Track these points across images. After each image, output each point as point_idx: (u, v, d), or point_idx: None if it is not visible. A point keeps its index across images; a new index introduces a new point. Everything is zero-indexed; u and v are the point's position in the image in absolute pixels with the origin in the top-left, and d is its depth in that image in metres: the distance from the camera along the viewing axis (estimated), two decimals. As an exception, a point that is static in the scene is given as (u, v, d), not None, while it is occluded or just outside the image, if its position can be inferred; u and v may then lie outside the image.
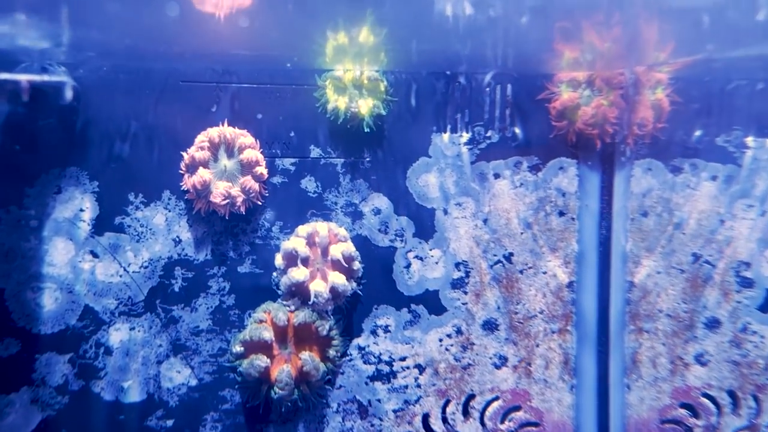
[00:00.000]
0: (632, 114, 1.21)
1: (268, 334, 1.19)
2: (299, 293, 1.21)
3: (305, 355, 1.20)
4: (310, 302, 1.20)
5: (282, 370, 1.20)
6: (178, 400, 1.20)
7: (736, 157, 1.28)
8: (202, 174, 1.17)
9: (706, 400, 1.30)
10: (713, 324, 1.29)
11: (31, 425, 1.16)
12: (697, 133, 1.28)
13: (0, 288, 1.14)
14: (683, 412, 1.30)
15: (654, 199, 1.27)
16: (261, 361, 1.18)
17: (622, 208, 1.26)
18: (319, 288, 1.20)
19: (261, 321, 1.21)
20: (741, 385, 1.30)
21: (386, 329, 1.26)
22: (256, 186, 1.19)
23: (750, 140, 1.28)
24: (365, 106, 1.22)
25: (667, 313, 1.28)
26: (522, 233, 1.27)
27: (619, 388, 1.28)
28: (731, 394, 1.30)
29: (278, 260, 1.22)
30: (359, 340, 1.26)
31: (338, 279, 1.21)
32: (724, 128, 1.28)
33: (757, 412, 1.30)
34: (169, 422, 1.20)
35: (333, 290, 1.20)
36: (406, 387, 1.26)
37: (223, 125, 1.20)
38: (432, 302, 1.26)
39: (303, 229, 1.22)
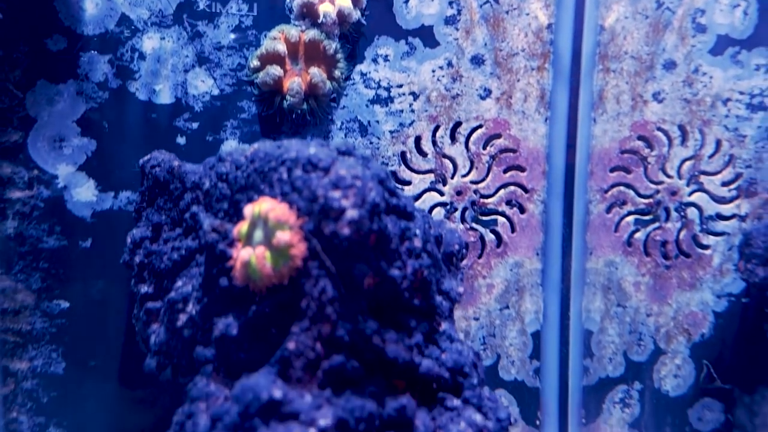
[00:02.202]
0: None
1: (281, 47, 1.36)
2: (309, 15, 1.37)
3: (314, 69, 1.38)
4: (319, 21, 1.36)
5: (293, 81, 1.37)
6: (202, 106, 1.38)
7: None
8: None
9: (659, 133, 1.50)
10: (670, 65, 1.47)
11: (77, 114, 1.33)
12: None
13: (47, -13, 1.29)
14: (640, 143, 1.50)
15: (626, -51, 1.43)
16: (275, 70, 1.35)
17: (598, -44, 1.42)
18: (327, 9, 1.36)
19: (275, 38, 1.37)
20: (690, 120, 1.49)
21: (386, 58, 1.43)
22: None
23: None
24: None
25: (631, 55, 1.46)
26: (508, -23, 1.43)
27: (587, 122, 1.48)
28: (681, 128, 1.50)
29: (292, -14, 1.38)
30: (361, 67, 1.43)
31: (345, 3, 1.37)
32: None
33: (702, 145, 1.50)
34: (195, 125, 1.38)
35: (340, 13, 1.36)
36: (402, 111, 1.45)
37: None
38: (427, 36, 1.43)
39: (315, -44, 1.37)
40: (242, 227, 1.01)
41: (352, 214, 0.92)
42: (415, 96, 1.44)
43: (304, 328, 0.96)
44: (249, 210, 1.00)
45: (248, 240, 1.00)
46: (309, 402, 0.91)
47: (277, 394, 0.89)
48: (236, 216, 1.06)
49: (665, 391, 1.56)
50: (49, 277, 1.35)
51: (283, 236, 0.95)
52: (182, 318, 1.10)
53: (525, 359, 1.53)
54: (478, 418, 1.02)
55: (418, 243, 1.07)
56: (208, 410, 1.00)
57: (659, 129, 1.49)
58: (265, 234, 0.97)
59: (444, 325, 1.12)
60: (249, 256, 0.98)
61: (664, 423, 1.56)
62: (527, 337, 1.52)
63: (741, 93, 1.49)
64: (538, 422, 1.54)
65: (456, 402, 1.05)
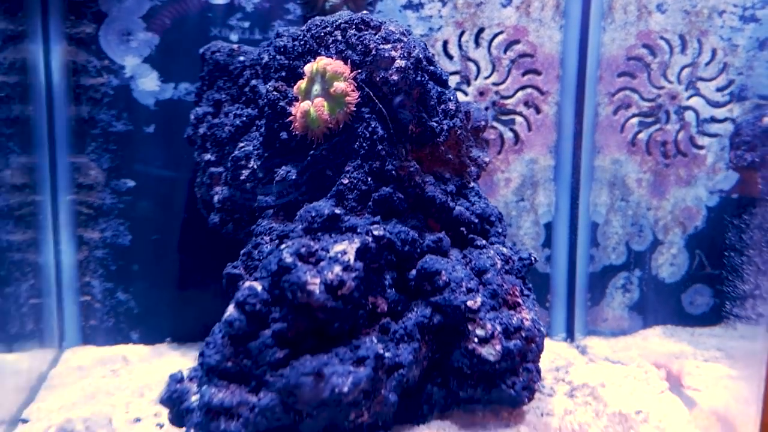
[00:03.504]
0: None
1: (326, -47, 1.52)
2: (351, -75, 1.53)
3: (354, -25, 1.54)
4: (360, -69, 1.52)
5: (336, -15, 1.53)
6: (253, 7, 1.53)
7: None
8: None
9: (662, 42, 1.65)
10: (673, -21, 1.64)
11: (143, 11, 1.49)
12: None
13: None
14: (644, 51, 1.66)
15: None
16: (320, -26, 1.51)
17: None
18: None
19: (320, -54, 1.53)
20: (689, 30, 1.65)
21: (417, -32, 1.59)
22: None
23: None
24: None
25: (638, -31, 1.62)
26: None
27: (597, 30, 1.63)
28: (681, 37, 1.65)
29: None
30: (395, -25, 1.59)
31: None
32: None
33: (699, 53, 1.66)
34: (246, 24, 1.54)
35: (378, -76, 1.53)
36: (431, 17, 1.60)
37: None
38: (454, -51, 1.59)
39: None
40: (301, 84, 1.17)
41: (400, 63, 1.09)
42: (444, 3, 1.60)
43: (356, 165, 1.12)
44: (308, 68, 1.16)
45: (306, 95, 1.16)
46: (363, 221, 1.08)
47: (338, 210, 1.06)
48: (294, 81, 1.22)
49: (662, 278, 1.73)
50: (117, 158, 1.52)
51: (339, 85, 1.11)
52: (245, 173, 1.27)
53: (538, 247, 1.70)
54: (505, 249, 1.19)
55: (452, 106, 1.23)
56: (272, 241, 1.17)
57: (662, 38, 1.65)
58: (323, 87, 1.14)
59: (473, 184, 1.29)
60: (308, 106, 1.15)
61: (660, 307, 1.74)
62: (540, 228, 1.69)
63: (735, 6, 1.64)
64: (548, 304, 1.71)
65: (484, 242, 1.22)
